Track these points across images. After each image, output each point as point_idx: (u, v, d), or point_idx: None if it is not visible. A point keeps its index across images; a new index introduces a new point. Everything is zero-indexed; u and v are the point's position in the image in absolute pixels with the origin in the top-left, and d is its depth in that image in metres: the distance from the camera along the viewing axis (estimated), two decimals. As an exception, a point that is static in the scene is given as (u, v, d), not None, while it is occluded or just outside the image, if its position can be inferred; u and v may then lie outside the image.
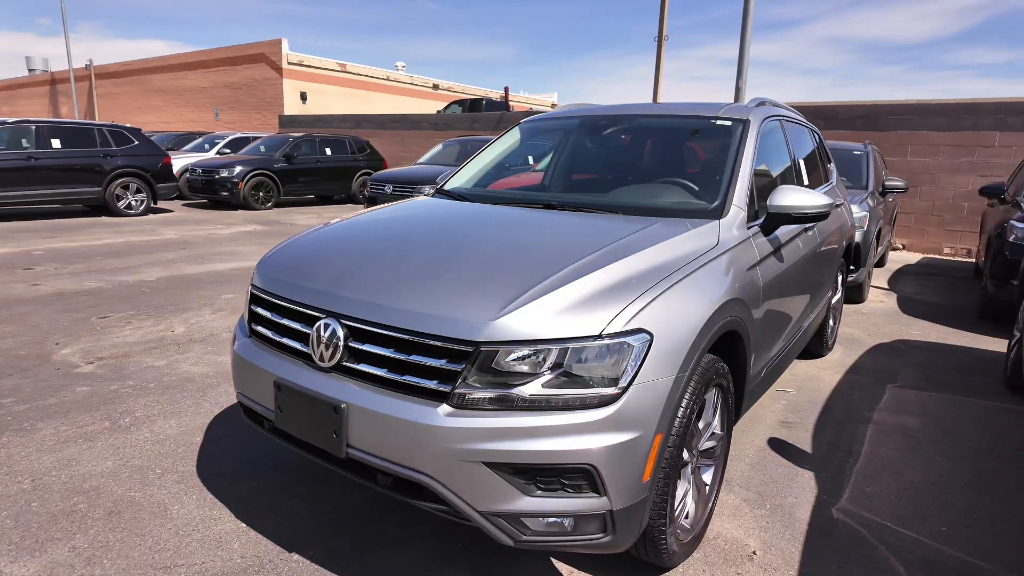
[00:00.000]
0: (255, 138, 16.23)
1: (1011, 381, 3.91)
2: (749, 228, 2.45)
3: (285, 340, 2.04)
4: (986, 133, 8.93)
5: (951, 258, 9.37)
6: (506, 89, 16.18)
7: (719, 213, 2.42)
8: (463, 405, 1.66)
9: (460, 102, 22.11)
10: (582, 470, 1.63)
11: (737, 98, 10.41)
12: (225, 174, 12.60)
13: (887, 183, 6.57)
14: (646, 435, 1.67)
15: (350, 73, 24.10)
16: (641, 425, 1.66)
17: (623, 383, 1.64)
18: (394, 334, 1.77)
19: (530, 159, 4.02)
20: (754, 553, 2.21)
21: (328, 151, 14.51)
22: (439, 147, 11.39)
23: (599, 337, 1.64)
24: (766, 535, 2.32)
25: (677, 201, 2.61)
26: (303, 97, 21.97)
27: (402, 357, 1.75)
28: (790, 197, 2.47)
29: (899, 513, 2.48)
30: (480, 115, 15.25)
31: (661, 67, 11.81)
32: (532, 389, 1.63)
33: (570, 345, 1.64)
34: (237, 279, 6.37)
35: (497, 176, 3.38)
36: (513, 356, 1.65)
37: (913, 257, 9.37)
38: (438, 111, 20.68)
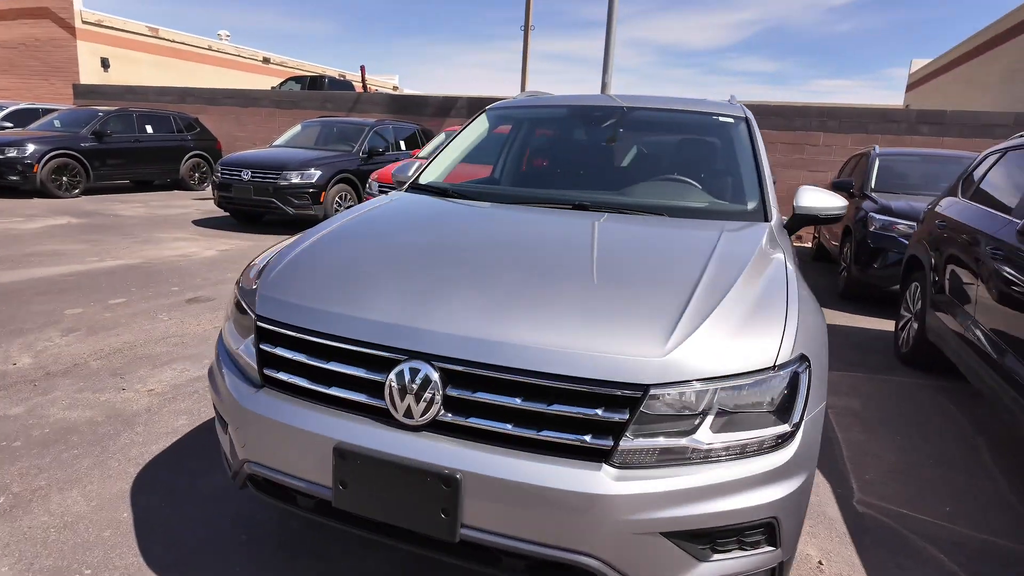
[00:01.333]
0: (48, 111, 13.42)
1: (905, 357, 4.44)
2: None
3: (338, 391, 1.54)
4: (812, 133, 10.22)
5: (795, 244, 10.59)
6: (362, 69, 15.13)
7: (763, 215, 2.33)
8: (628, 464, 1.36)
9: (298, 79, 20.33)
10: (764, 524, 1.42)
11: (603, 92, 10.76)
12: (14, 154, 10.21)
13: None
14: (811, 474, 1.51)
15: (164, 40, 20.90)
16: (810, 464, 1.49)
17: (795, 418, 1.45)
18: (520, 379, 1.39)
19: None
20: (820, 563, 2.18)
21: (149, 128, 12.44)
22: (297, 128, 10.27)
23: (774, 368, 1.43)
24: (817, 541, 2.31)
25: (716, 202, 2.48)
26: (104, 64, 18.56)
27: (536, 408, 1.39)
28: (815, 198, 2.46)
29: (905, 498, 2.64)
30: (332, 94, 14.07)
31: (528, 56, 11.86)
32: (705, 436, 1.38)
33: (745, 380, 1.40)
34: (78, 288, 5.12)
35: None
36: (685, 398, 1.38)
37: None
38: (273, 87, 18.84)
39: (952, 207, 4.12)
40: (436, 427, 1.45)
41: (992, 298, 2.95)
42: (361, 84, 15.39)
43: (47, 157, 10.46)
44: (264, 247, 7.41)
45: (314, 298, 1.66)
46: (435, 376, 1.44)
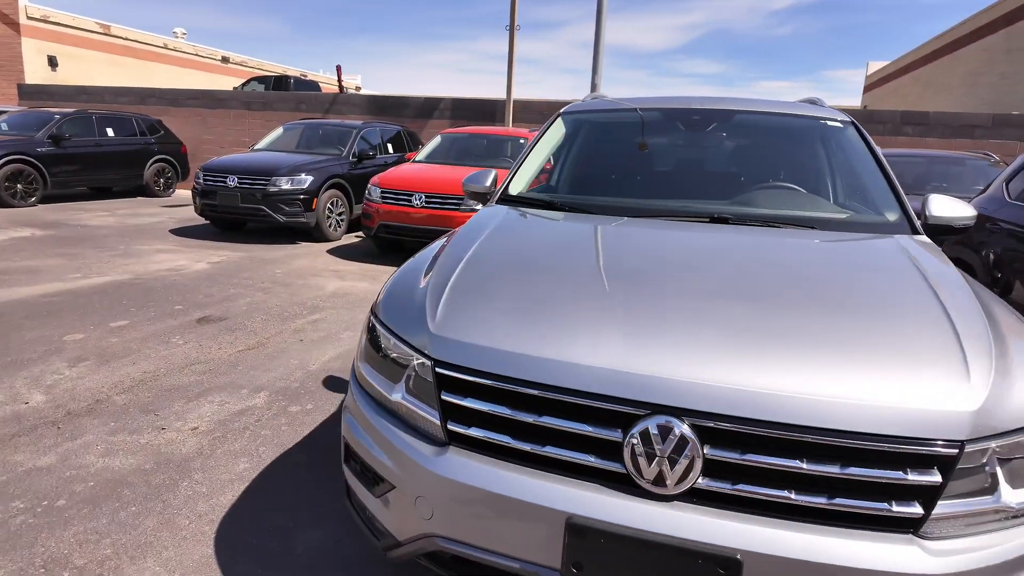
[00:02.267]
0: (-5, 112, 12.44)
1: None
2: None
3: (559, 452, 1.29)
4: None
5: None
6: (338, 69, 14.57)
7: (911, 227, 2.18)
8: (941, 535, 1.16)
9: (261, 79, 19.55)
10: None
11: (592, 92, 10.65)
12: (-37, 160, 9.39)
13: None
14: None
15: (116, 37, 19.73)
16: None
17: None
18: (799, 436, 1.17)
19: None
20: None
21: (110, 132, 11.67)
22: (279, 131, 9.77)
23: None
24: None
25: (857, 214, 2.30)
26: (52, 62, 17.37)
27: (825, 471, 1.17)
28: (948, 207, 2.33)
29: None
30: (307, 95, 13.49)
31: (514, 56, 11.62)
32: (1010, 494, 1.19)
33: None
34: (70, 310, 4.63)
35: (582, 179, 2.78)
36: (999, 452, 1.19)
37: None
38: (235, 88, 18.06)
39: (1003, 209, 4.11)
40: (694, 496, 1.22)
41: None
42: (337, 85, 14.84)
43: (0, 163, 9.66)
44: (259, 258, 6.97)
45: (508, 339, 1.40)
46: (691, 435, 1.20)
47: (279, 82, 18.80)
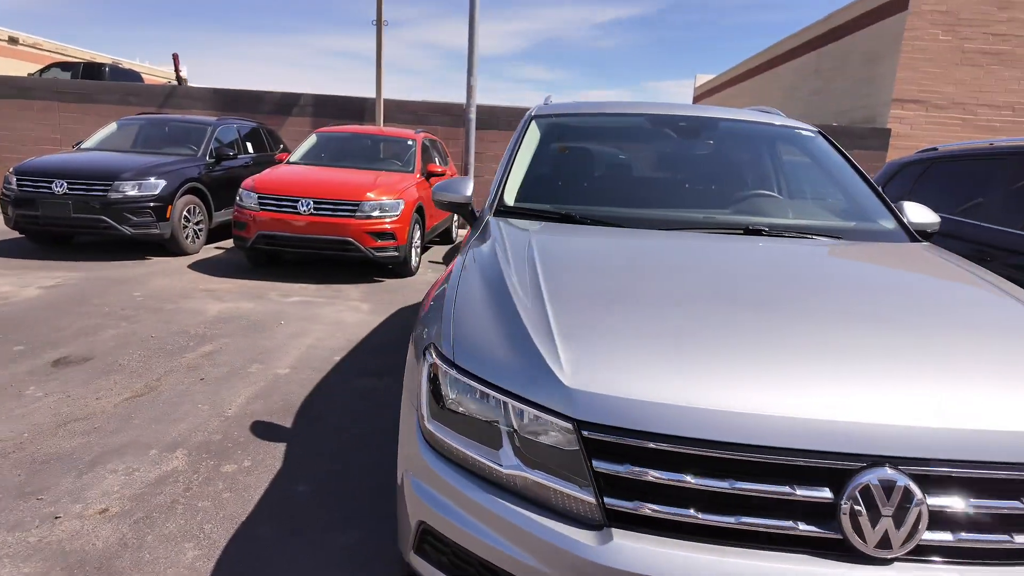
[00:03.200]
0: None
1: None
2: None
3: (763, 523, 1.08)
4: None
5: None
6: (175, 57, 12.73)
7: (907, 235, 2.27)
8: None
9: (65, 65, 16.71)
10: None
11: (469, 96, 10.49)
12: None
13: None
14: None
15: None
16: None
17: None
18: (1019, 474, 1.09)
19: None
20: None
21: None
22: (112, 127, 8.31)
23: None
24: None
25: (858, 223, 2.34)
26: None
27: None
28: (922, 214, 2.47)
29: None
30: (136, 87, 11.67)
31: (382, 52, 11.01)
32: None
33: None
34: None
35: (582, 189, 2.55)
36: None
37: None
38: (30, 74, 15.29)
39: None
40: (918, 553, 1.09)
41: None
42: (175, 75, 13.06)
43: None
44: (106, 278, 5.84)
45: (671, 389, 1.16)
46: (915, 487, 1.07)
47: (90, 70, 16.18)
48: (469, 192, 2.49)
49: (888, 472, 1.07)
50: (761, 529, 1.10)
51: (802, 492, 1.09)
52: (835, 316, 1.43)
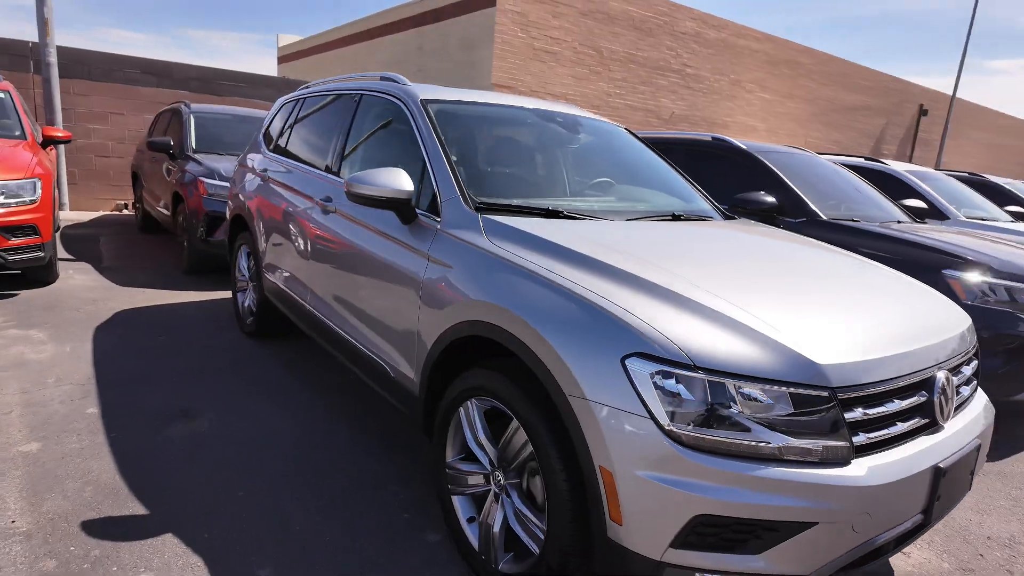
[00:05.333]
0: None
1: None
2: None
3: (908, 425, 1.57)
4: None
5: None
6: None
7: (722, 214, 3.04)
8: None
9: None
10: None
11: (44, 31, 7.85)
12: None
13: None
14: None
15: None
16: None
17: None
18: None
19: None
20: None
21: None
22: None
23: None
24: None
25: (706, 204, 2.94)
26: None
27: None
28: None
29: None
30: None
31: None
32: None
33: None
34: None
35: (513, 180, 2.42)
36: None
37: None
38: None
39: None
40: (952, 414, 1.73)
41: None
42: None
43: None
44: None
45: (863, 350, 1.52)
46: (951, 376, 1.71)
47: None
48: (409, 185, 2.18)
49: (943, 373, 1.68)
50: (910, 429, 1.58)
51: (918, 398, 1.62)
52: (827, 283, 1.98)
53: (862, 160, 6.39)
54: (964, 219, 5.51)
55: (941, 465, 1.54)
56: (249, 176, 3.91)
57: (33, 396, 2.91)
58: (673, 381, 1.40)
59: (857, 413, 1.46)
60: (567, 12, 13.65)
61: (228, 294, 4.98)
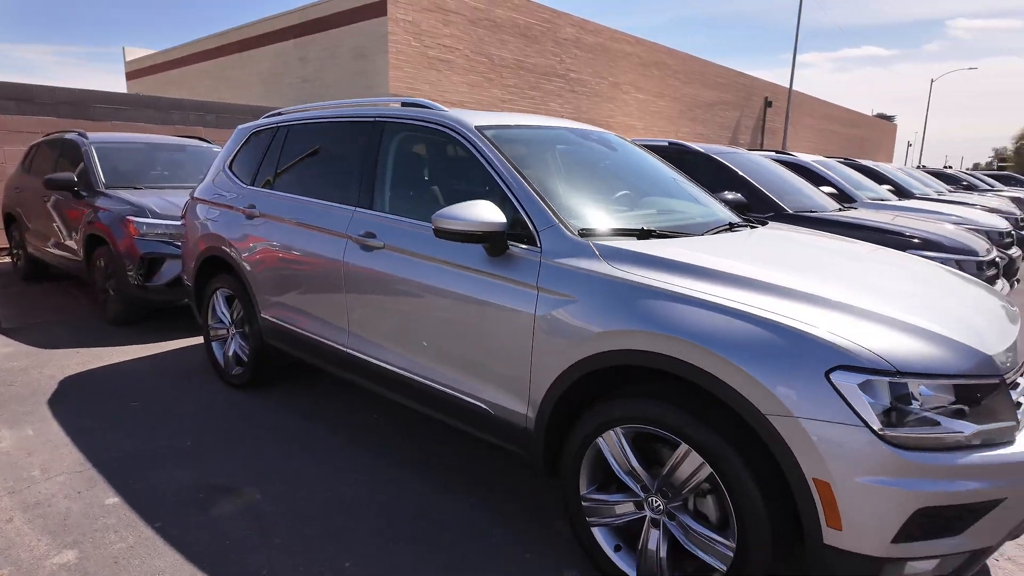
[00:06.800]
0: None
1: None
2: None
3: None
4: (192, 127, 9.59)
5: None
6: None
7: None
8: None
9: None
10: None
11: None
12: None
13: None
14: None
15: None
16: None
17: None
18: None
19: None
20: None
21: None
22: None
23: None
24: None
25: (730, 209, 3.11)
26: None
27: None
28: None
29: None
30: None
31: None
32: None
33: None
34: None
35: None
36: None
37: None
38: None
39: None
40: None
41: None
42: None
43: None
44: None
45: (999, 342, 1.71)
46: None
47: None
48: (502, 217, 2.11)
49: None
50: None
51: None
52: (922, 279, 2.20)
53: (773, 153, 7.04)
54: (868, 201, 6.27)
55: None
56: (223, 213, 3.55)
57: (27, 496, 2.45)
58: (879, 388, 1.49)
59: (1015, 394, 1.64)
60: (457, 20, 13.69)
61: (177, 343, 4.48)
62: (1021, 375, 1.77)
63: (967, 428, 1.52)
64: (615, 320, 1.86)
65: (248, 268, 3.31)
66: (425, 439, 3.01)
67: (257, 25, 15.82)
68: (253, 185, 3.45)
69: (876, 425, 1.48)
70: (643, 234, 2.20)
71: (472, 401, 2.29)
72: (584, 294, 1.95)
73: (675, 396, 1.79)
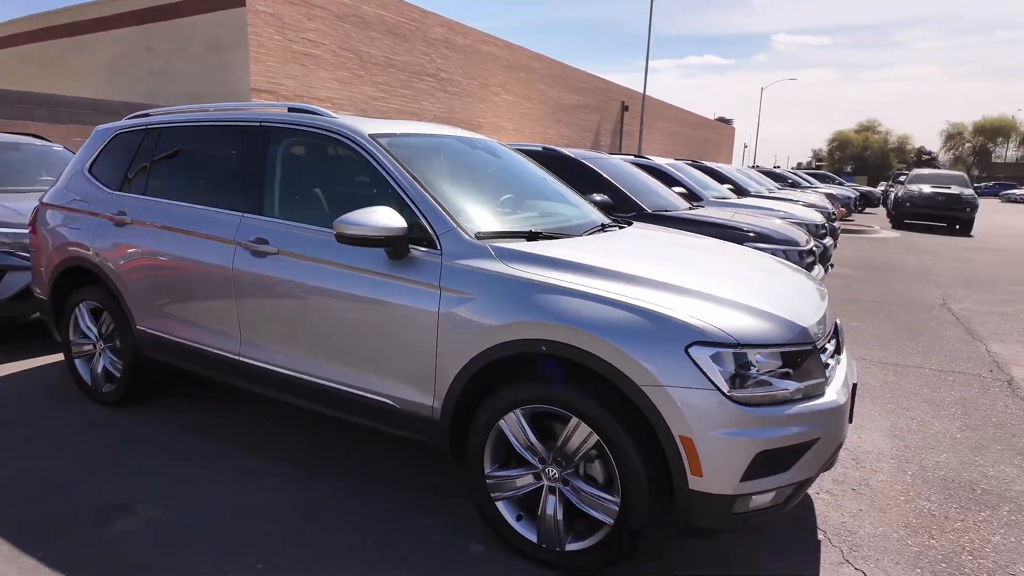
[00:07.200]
0: None
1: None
2: None
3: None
4: (19, 122, 8.50)
5: None
6: None
7: None
8: None
9: None
10: None
11: None
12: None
13: None
14: None
15: None
16: None
17: None
18: None
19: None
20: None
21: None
22: None
23: None
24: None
25: (600, 211, 3.45)
26: None
27: None
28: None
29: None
30: None
31: None
32: None
33: None
34: None
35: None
36: None
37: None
38: None
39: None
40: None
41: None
42: None
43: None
44: None
45: (812, 317, 2.15)
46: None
47: None
48: (403, 223, 2.24)
49: (838, 320, 2.43)
50: (834, 364, 2.28)
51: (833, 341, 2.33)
52: (761, 269, 2.65)
53: (632, 157, 7.70)
54: (713, 200, 7.08)
55: (855, 382, 2.27)
56: (85, 220, 3.31)
57: None
58: (726, 358, 1.85)
59: (823, 357, 2.08)
60: (322, 15, 13.28)
61: (15, 365, 4.04)
62: (828, 342, 2.25)
63: (791, 386, 1.92)
64: (513, 313, 2.08)
65: (120, 278, 3.13)
66: (324, 444, 3.06)
67: (89, 8, 14.22)
68: (121, 191, 3.26)
69: (725, 388, 1.83)
70: (531, 236, 2.45)
71: (377, 398, 2.41)
72: (484, 292, 2.15)
73: (566, 377, 2.05)
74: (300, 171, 2.88)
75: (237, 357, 2.78)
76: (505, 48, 20.02)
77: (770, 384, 1.90)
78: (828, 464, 2.11)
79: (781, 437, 1.87)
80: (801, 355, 1.97)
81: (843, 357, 2.37)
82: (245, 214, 2.76)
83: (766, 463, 1.88)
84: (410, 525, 2.38)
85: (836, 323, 2.48)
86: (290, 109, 2.89)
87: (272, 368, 2.68)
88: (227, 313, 2.78)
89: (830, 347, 2.24)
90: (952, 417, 3.59)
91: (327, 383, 2.52)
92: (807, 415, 1.92)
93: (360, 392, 2.45)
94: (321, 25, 13.35)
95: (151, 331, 3.09)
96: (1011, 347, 5.09)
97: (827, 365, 2.12)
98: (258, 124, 2.87)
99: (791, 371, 1.94)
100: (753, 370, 1.88)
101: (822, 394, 2.01)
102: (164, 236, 2.99)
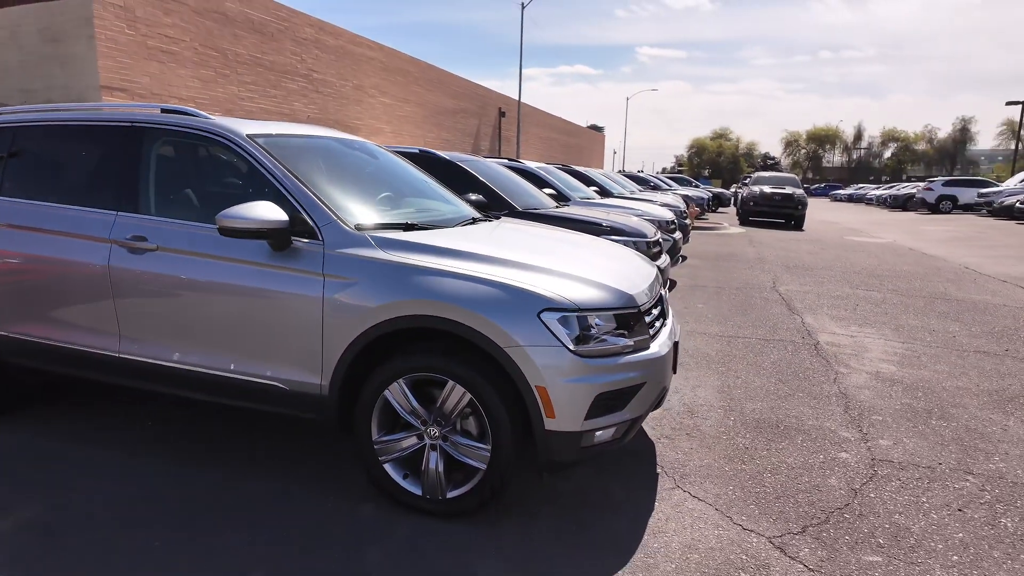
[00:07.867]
0: None
1: None
2: None
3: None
4: None
5: None
6: None
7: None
8: None
9: None
10: None
11: None
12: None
13: None
14: None
15: None
16: None
17: None
18: None
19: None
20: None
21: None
22: None
23: None
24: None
25: (474, 207, 3.78)
26: None
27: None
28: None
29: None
30: None
31: None
32: None
33: None
34: None
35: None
36: None
37: None
38: None
39: None
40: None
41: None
42: None
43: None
44: None
45: (639, 287, 2.62)
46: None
47: None
48: (285, 216, 2.42)
49: (664, 291, 2.95)
50: (660, 325, 2.79)
51: (658, 306, 2.83)
52: (603, 252, 3.11)
53: (507, 160, 8.17)
54: (579, 200, 7.72)
55: (677, 340, 2.79)
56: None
57: None
58: (571, 321, 2.25)
59: (648, 318, 2.56)
60: (180, 10, 12.56)
61: None
62: (655, 307, 2.75)
63: (621, 341, 2.37)
64: (392, 294, 2.35)
65: None
66: (208, 435, 3.13)
67: None
68: (-28, 191, 3.11)
69: (571, 346, 2.23)
70: (408, 227, 2.73)
71: (267, 382, 2.57)
72: (365, 276, 2.41)
73: (441, 347, 2.36)
74: (176, 171, 2.94)
75: (118, 355, 2.80)
76: (379, 50, 19.95)
77: (606, 340, 2.33)
78: (656, 404, 2.59)
79: (615, 381, 2.31)
80: (631, 316, 2.43)
81: (668, 320, 2.90)
82: (120, 212, 2.79)
83: (604, 403, 2.30)
84: (299, 496, 2.57)
85: (662, 293, 3.01)
86: (163, 110, 2.94)
87: (156, 362, 2.74)
88: (103, 312, 2.79)
89: (655, 311, 2.73)
90: (769, 375, 4.32)
91: (215, 372, 2.64)
92: (635, 364, 2.37)
93: (250, 378, 2.59)
94: (179, 20, 12.61)
95: (12, 335, 3.00)
96: (820, 319, 6.09)
97: (652, 325, 2.60)
98: (130, 124, 2.90)
99: (624, 331, 2.38)
100: (594, 330, 2.30)
101: (648, 347, 2.48)
102: (25, 237, 2.92)
